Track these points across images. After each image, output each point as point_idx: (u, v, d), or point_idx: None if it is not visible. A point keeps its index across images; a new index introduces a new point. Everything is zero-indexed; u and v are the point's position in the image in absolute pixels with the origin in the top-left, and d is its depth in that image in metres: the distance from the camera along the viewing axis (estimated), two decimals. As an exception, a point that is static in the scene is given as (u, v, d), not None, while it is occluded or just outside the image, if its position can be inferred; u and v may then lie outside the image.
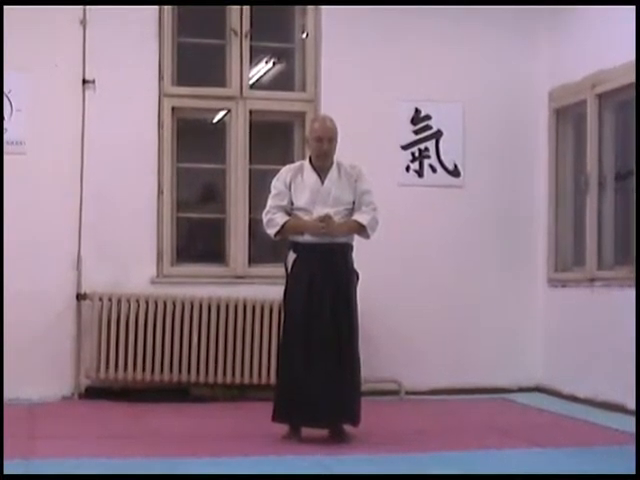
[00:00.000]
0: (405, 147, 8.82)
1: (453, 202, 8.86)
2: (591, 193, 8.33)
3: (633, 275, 7.56)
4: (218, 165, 8.73)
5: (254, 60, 8.83)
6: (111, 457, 5.79)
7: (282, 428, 6.44)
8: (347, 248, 6.53)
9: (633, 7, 7.47)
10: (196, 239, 9.02)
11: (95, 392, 8.18)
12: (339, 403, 6.32)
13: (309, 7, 8.72)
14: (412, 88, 8.79)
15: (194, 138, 8.88)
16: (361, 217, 6.49)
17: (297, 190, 6.50)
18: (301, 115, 8.72)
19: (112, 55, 8.28)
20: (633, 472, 5.31)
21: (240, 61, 8.64)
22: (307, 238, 6.44)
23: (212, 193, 8.99)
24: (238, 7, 8.57)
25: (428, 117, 8.86)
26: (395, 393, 8.58)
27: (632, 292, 7.46)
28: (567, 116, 8.88)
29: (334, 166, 6.54)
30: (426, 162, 8.84)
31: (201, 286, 8.38)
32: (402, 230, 8.57)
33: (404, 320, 8.62)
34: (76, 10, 8.18)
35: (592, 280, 8.25)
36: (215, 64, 8.75)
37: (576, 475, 5.45)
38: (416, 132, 8.85)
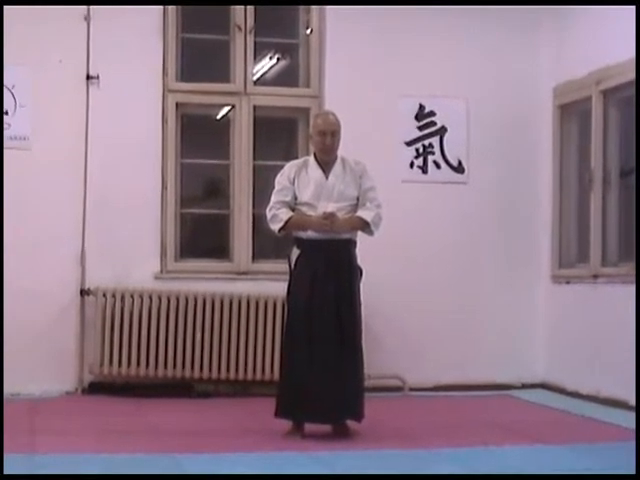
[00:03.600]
0: (409, 143, 8.81)
1: (457, 198, 8.86)
2: (595, 189, 8.32)
3: (635, 272, 7.55)
4: (222, 161, 8.73)
5: (258, 56, 8.82)
6: (114, 453, 5.79)
7: (285, 424, 6.44)
8: (351, 244, 6.52)
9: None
10: (200, 235, 9.02)
11: (98, 387, 8.19)
12: (342, 399, 6.32)
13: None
14: (416, 84, 8.79)
15: (198, 134, 8.88)
16: (365, 214, 6.48)
17: (301, 185, 6.50)
18: (305, 111, 8.71)
19: (116, 51, 8.28)
20: (634, 468, 5.30)
21: (244, 57, 8.63)
22: (311, 234, 6.44)
23: (216, 189, 8.99)
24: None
25: (432, 113, 8.85)
26: (398, 389, 8.59)
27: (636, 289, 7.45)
28: (571, 112, 8.87)
29: (338, 161, 6.54)
30: (430, 158, 8.84)
31: (205, 282, 8.38)
32: (406, 226, 8.57)
33: (407, 316, 8.62)
34: (80, 6, 8.18)
35: (596, 276, 8.24)
36: (219, 60, 8.74)
37: (579, 472, 5.45)
38: (420, 128, 8.84)
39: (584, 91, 8.47)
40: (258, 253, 8.64)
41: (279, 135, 9.17)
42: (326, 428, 6.41)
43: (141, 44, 8.37)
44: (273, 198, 6.54)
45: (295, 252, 6.52)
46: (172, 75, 8.50)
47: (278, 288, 7.44)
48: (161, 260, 8.44)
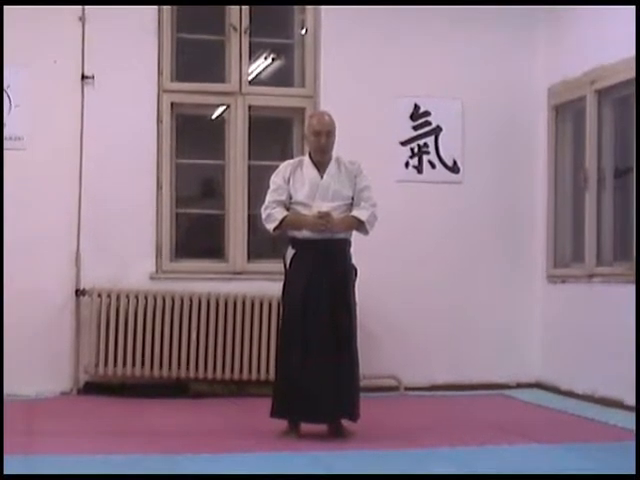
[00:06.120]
0: (404, 143, 8.82)
1: (452, 198, 8.86)
2: (590, 189, 8.33)
3: (632, 271, 7.56)
4: (217, 161, 8.73)
5: (253, 56, 8.82)
6: (110, 453, 5.79)
7: (281, 424, 6.44)
8: (345, 244, 6.53)
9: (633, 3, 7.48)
10: (195, 235, 9.01)
11: (94, 388, 8.19)
12: (338, 399, 6.32)
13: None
14: (411, 84, 8.79)
15: (193, 134, 8.88)
16: (360, 213, 6.49)
17: (296, 184, 6.50)
18: (300, 111, 8.71)
19: (111, 51, 8.27)
20: (631, 468, 5.29)
21: (239, 57, 8.63)
22: (306, 234, 6.44)
23: (211, 189, 8.99)
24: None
25: (427, 113, 8.86)
26: (394, 389, 8.59)
27: (631, 288, 7.46)
28: (566, 112, 8.88)
29: (333, 161, 6.54)
30: (425, 158, 8.84)
31: (200, 282, 8.38)
32: (401, 226, 8.58)
33: (403, 316, 8.63)
34: (75, 6, 8.17)
35: (591, 276, 8.25)
36: (214, 60, 8.74)
37: (575, 472, 5.45)
38: (415, 128, 8.84)
39: (579, 91, 8.48)
40: (253, 253, 8.64)
41: (274, 135, 9.18)
42: (322, 428, 6.41)
43: (136, 44, 8.37)
44: (268, 197, 6.54)
45: (290, 252, 6.52)
46: (167, 75, 8.50)
47: (273, 288, 7.45)
48: (156, 260, 8.43)
